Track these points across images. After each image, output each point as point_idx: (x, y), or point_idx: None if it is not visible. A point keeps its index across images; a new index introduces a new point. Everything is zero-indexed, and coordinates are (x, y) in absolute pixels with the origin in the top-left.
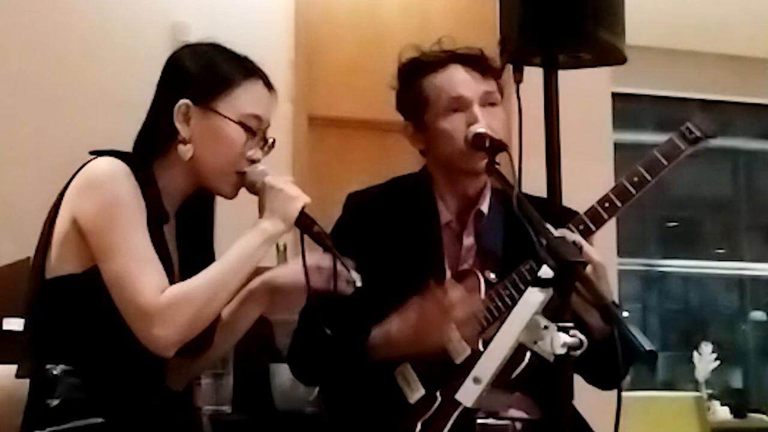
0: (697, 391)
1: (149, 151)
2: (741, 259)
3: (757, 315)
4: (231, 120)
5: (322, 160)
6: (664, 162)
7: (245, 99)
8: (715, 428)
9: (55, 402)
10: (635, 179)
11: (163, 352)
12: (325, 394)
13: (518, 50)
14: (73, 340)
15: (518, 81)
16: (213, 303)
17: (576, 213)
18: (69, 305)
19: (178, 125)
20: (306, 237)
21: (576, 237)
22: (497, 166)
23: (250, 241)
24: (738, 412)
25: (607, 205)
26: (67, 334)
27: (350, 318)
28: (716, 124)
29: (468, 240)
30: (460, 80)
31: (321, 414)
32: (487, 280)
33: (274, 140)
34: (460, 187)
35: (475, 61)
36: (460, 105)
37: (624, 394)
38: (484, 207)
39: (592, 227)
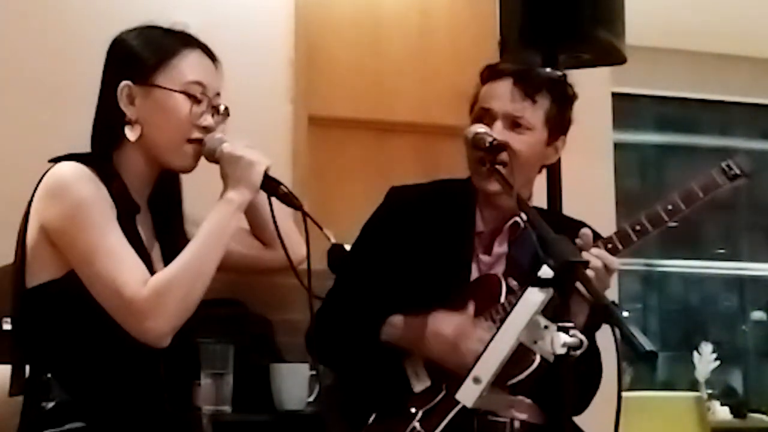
0: (697, 391)
1: (106, 145)
2: (741, 259)
3: (757, 315)
4: (172, 90)
5: (322, 160)
6: (701, 194)
7: (184, 67)
8: (715, 428)
9: (51, 404)
10: (669, 207)
11: (159, 343)
12: (333, 385)
13: (518, 50)
14: (64, 343)
15: None
16: (197, 283)
17: (580, 223)
18: (55, 310)
19: (123, 107)
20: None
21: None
22: (498, 167)
23: (220, 215)
24: (738, 412)
25: (638, 228)
26: (57, 338)
27: (371, 303)
28: (755, 165)
29: (500, 248)
30: (497, 93)
31: (321, 414)
32: (508, 286)
33: (226, 108)
34: (486, 197)
35: (524, 81)
36: (486, 117)
37: (624, 394)
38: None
39: (620, 247)
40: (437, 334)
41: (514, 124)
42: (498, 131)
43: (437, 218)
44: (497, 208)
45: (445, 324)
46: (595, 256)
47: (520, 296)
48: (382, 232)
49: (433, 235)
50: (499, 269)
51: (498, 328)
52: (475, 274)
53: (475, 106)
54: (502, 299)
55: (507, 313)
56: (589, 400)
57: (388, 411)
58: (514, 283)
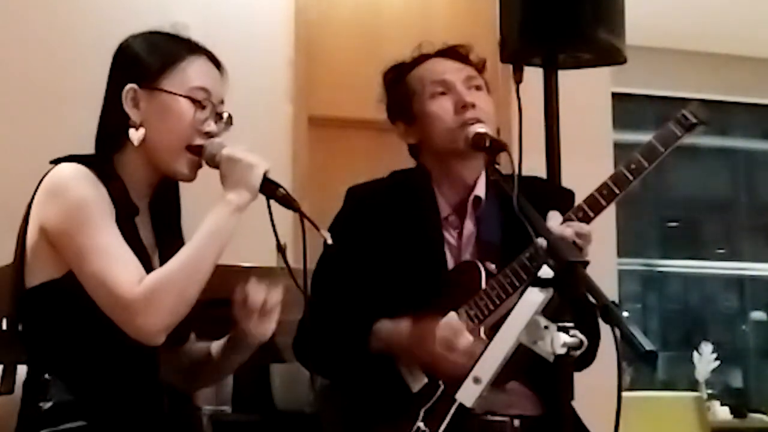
0: (697, 391)
1: (108, 147)
2: (741, 259)
3: (757, 315)
4: (177, 95)
5: (322, 160)
6: (661, 148)
7: (190, 72)
8: (715, 428)
9: (48, 405)
10: (632, 166)
11: (152, 341)
12: (331, 385)
13: (518, 50)
14: (63, 343)
15: (518, 81)
16: (191, 283)
17: (571, 192)
18: (54, 310)
19: (128, 110)
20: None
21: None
22: (497, 166)
23: (218, 216)
24: (738, 412)
25: (605, 192)
26: (56, 338)
27: (354, 309)
28: (709, 113)
29: (468, 228)
30: (441, 68)
31: (320, 413)
32: (487, 271)
33: (230, 116)
34: (455, 174)
35: (453, 52)
36: (444, 88)
37: (624, 394)
38: (481, 192)
39: (591, 214)
40: (424, 345)
41: (472, 86)
42: (467, 95)
43: (401, 211)
44: (455, 181)
45: (430, 335)
46: (567, 227)
47: (521, 295)
48: (350, 235)
49: (400, 227)
50: (471, 249)
51: (485, 316)
52: (449, 258)
53: (410, 102)
54: (483, 285)
55: (489, 298)
56: (594, 352)
57: (390, 414)
58: (492, 266)
